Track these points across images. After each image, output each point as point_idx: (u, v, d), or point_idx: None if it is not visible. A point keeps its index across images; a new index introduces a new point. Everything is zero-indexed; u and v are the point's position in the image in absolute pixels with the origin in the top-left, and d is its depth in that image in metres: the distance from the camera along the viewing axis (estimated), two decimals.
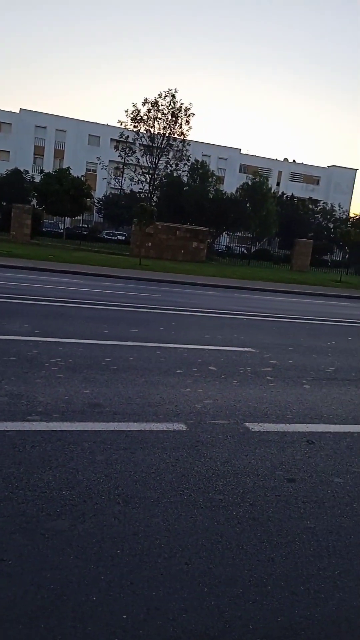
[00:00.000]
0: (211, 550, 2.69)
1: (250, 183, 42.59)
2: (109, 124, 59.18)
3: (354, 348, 9.06)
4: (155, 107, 39.53)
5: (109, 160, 51.58)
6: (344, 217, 54.69)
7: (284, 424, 4.71)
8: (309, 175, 73.60)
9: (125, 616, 2.17)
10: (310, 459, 4.04)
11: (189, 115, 39.86)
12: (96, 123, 64.86)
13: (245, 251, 43.00)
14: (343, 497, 3.48)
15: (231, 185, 54.46)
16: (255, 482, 3.51)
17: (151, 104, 39.45)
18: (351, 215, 55.28)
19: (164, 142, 40.47)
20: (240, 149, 70.14)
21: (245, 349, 7.82)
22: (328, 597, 2.45)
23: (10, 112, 64.87)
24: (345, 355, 8.22)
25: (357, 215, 51.06)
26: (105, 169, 48.23)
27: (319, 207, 56.60)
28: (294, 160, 74.73)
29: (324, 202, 58.32)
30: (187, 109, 39.64)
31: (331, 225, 52.42)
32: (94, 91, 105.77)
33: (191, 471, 3.56)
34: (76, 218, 43.96)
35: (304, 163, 74.35)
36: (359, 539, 2.98)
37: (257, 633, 2.17)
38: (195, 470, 3.57)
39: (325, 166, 74.42)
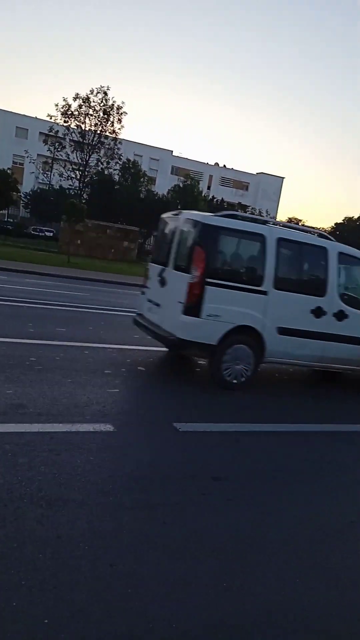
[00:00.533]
0: (136, 552, 2.68)
1: (181, 185, 42.96)
2: (37, 117, 57.53)
3: None
4: (87, 103, 38.82)
5: (37, 154, 50.07)
6: None
7: (212, 424, 4.79)
8: (238, 181, 75.27)
9: (46, 620, 2.11)
10: (236, 457, 4.13)
11: (121, 113, 39.51)
12: (24, 115, 62.81)
13: None
14: (266, 494, 3.58)
15: (162, 186, 54.54)
16: (181, 482, 3.54)
17: (82, 99, 38.69)
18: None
19: (95, 139, 39.84)
20: (172, 151, 70.51)
21: None
22: (250, 592, 2.51)
23: None
24: None
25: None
26: (34, 163, 46.75)
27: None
28: (224, 166, 76.20)
29: (252, 208, 59.79)
30: (119, 107, 39.27)
31: None
32: (22, 82, 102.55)
33: (118, 472, 3.53)
34: (1, 212, 42.35)
35: (234, 169, 76.00)
36: (279, 535, 3.09)
37: (181, 631, 2.19)
38: (122, 472, 3.55)
39: (254, 173, 76.45)
